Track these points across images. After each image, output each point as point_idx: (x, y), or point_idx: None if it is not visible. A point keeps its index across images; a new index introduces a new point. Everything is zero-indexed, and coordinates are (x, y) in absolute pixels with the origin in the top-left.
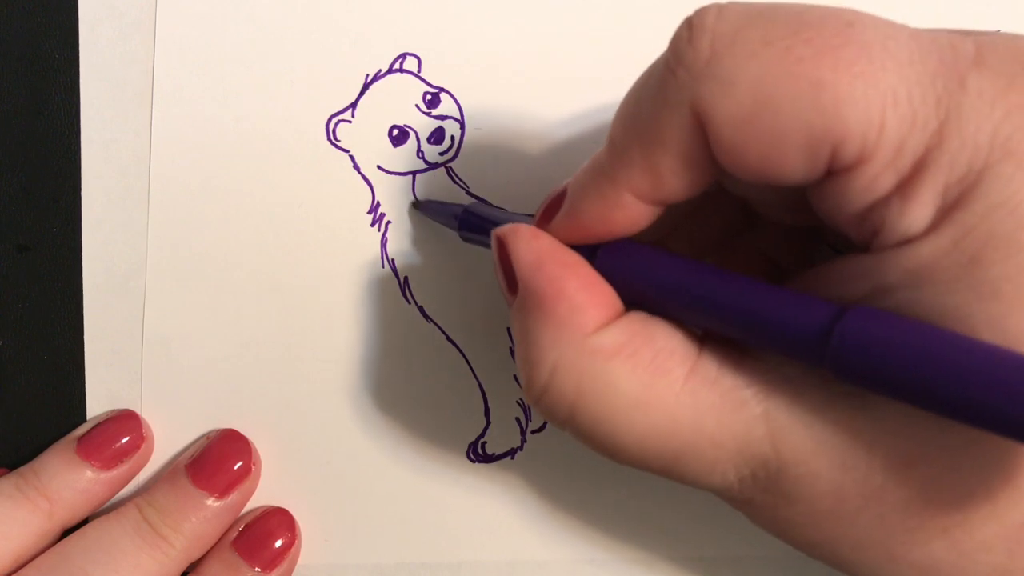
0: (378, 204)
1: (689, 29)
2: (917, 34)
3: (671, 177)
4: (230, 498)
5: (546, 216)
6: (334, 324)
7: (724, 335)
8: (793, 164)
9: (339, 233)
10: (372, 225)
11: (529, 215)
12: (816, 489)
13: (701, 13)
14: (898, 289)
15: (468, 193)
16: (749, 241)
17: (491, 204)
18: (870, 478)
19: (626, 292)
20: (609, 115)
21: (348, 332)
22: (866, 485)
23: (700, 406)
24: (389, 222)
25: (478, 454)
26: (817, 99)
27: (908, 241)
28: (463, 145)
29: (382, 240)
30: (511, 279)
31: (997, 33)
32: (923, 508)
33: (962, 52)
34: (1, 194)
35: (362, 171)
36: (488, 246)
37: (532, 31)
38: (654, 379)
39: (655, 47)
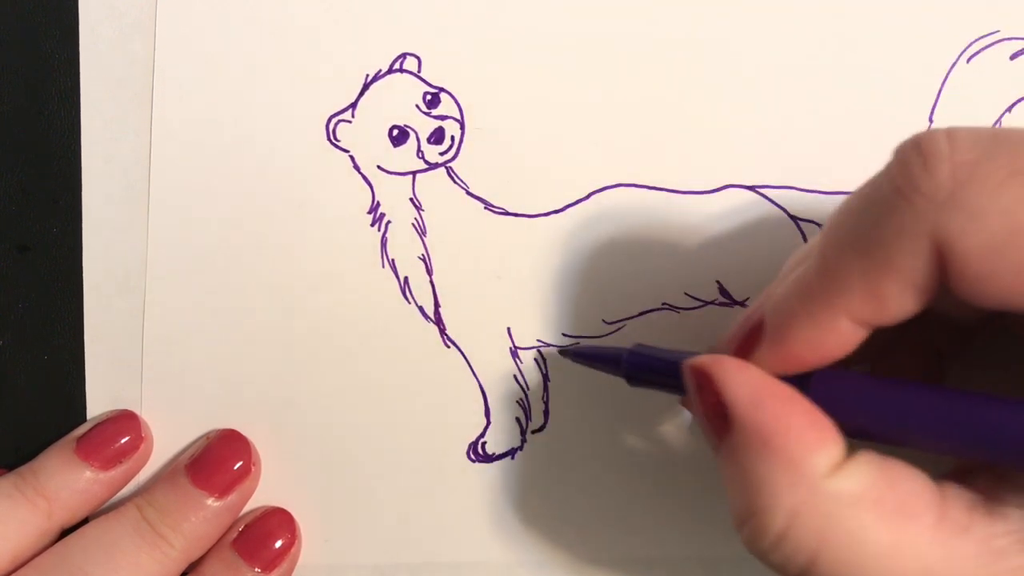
0: (378, 204)
1: (920, 155)
2: None
3: (895, 302)
4: (230, 498)
5: (746, 347)
6: (334, 324)
7: (972, 458)
8: None
9: (339, 233)
10: (372, 225)
11: (694, 352)
12: None
13: (931, 139)
14: None
15: (468, 193)
16: (912, 335)
17: (493, 206)
18: None
19: (844, 423)
20: (609, 114)
21: (348, 332)
22: None
23: (955, 556)
24: (389, 222)
25: (478, 454)
26: None
27: None
28: (463, 145)
29: (382, 240)
30: (719, 416)
31: None
32: None
33: None
34: (1, 194)
35: (362, 171)
36: (662, 388)
37: (532, 31)
38: (904, 527)
39: (655, 46)
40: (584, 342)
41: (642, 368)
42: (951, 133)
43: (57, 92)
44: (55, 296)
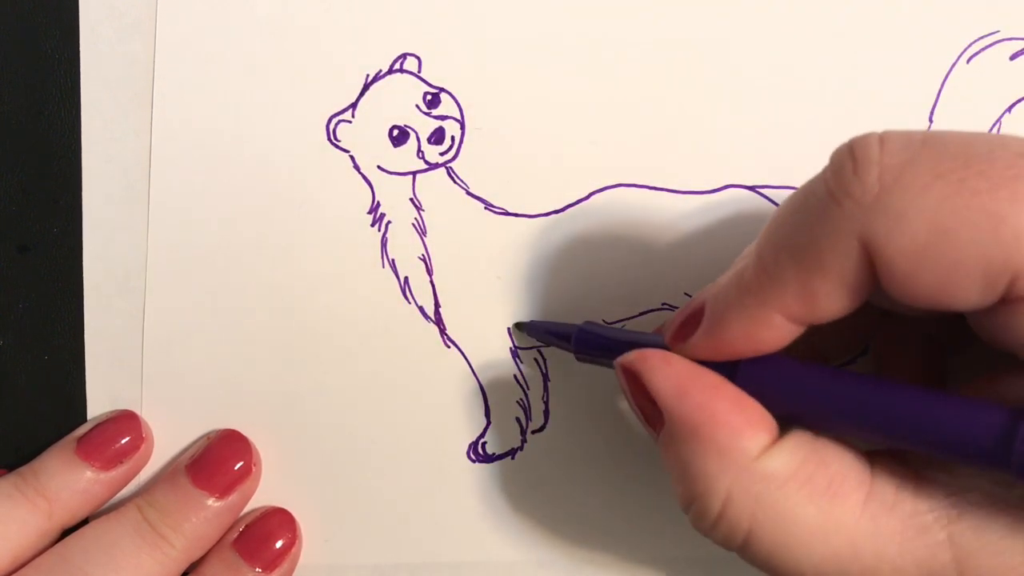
0: (378, 204)
1: (853, 160)
2: None
3: (827, 301)
4: (230, 498)
5: (680, 334)
6: (334, 324)
7: (892, 446)
8: (967, 293)
9: (339, 233)
10: (372, 225)
11: (641, 333)
12: None
13: (863, 144)
14: None
15: (468, 193)
16: (914, 329)
17: (494, 207)
18: None
19: (773, 408)
20: (609, 113)
21: (348, 332)
22: None
23: (881, 532)
24: (389, 222)
25: (478, 454)
26: (996, 232)
27: None
28: (463, 145)
29: (382, 240)
30: (651, 410)
31: None
32: None
33: None
34: (1, 194)
35: (362, 171)
36: (608, 365)
37: (532, 31)
38: (832, 505)
39: (655, 46)
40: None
41: (588, 346)
42: (883, 137)
43: (57, 92)
44: (55, 296)
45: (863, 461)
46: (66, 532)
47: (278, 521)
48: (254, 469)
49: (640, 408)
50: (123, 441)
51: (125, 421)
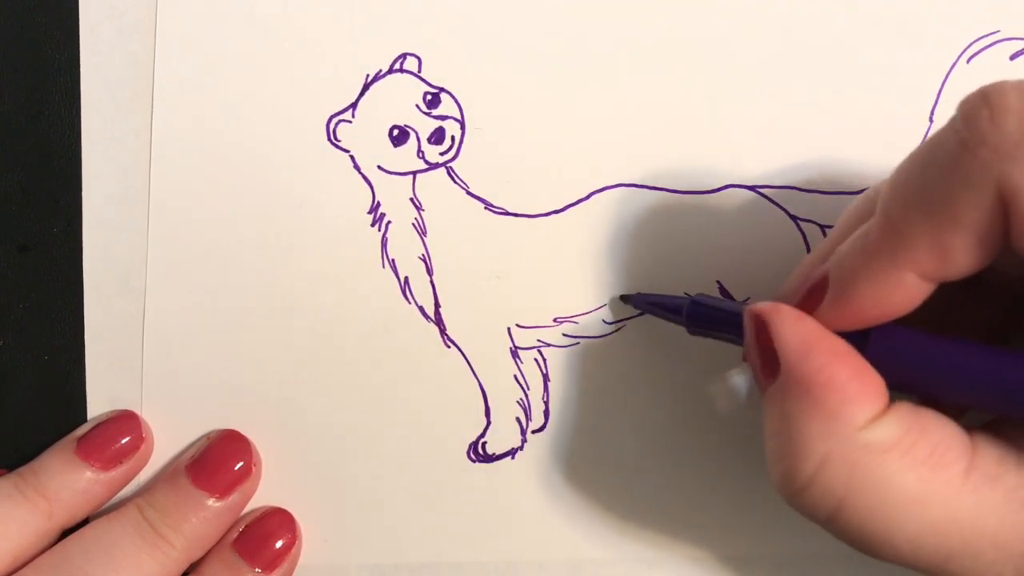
0: (378, 204)
1: (988, 107)
2: None
3: (960, 255)
4: (230, 498)
5: (808, 302)
6: (334, 324)
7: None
8: None
9: (339, 233)
10: (372, 225)
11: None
12: None
13: (999, 91)
14: None
15: (468, 193)
16: (965, 309)
17: (494, 206)
18: None
19: (895, 379)
20: (609, 114)
21: (348, 332)
22: None
23: (982, 504)
24: (389, 222)
25: (478, 454)
26: None
27: None
28: (463, 145)
29: (382, 240)
30: (770, 360)
31: None
32: None
33: None
34: (1, 194)
35: (362, 171)
36: (722, 338)
37: (532, 31)
38: (932, 475)
39: (656, 46)
40: (585, 342)
41: (702, 318)
42: (1020, 85)
43: (57, 92)
44: (55, 296)
45: (964, 433)
46: (66, 532)
47: (278, 521)
48: (254, 469)
49: (759, 356)
50: (123, 441)
51: (125, 421)
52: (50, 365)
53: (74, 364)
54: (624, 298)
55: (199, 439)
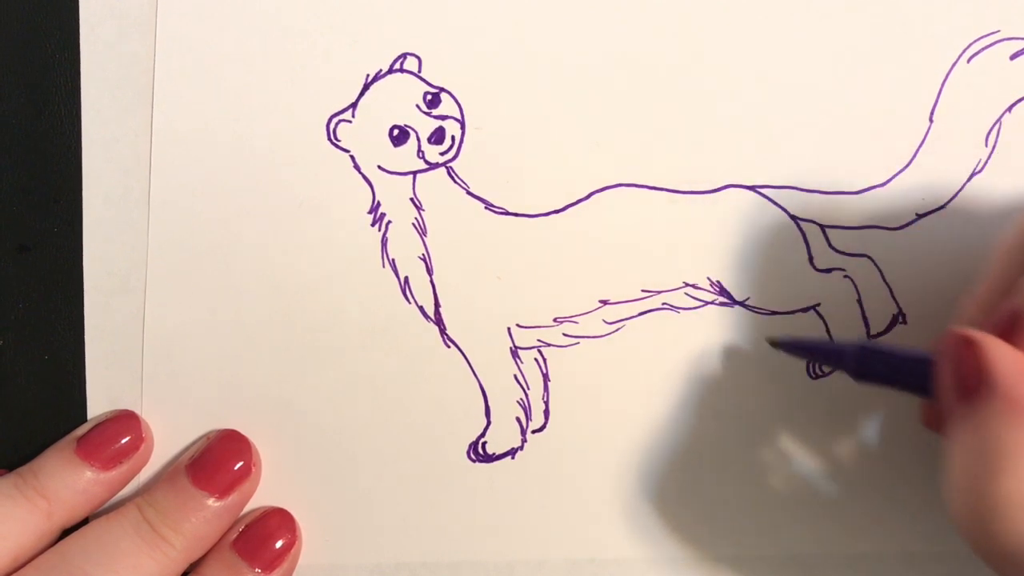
0: (379, 204)
1: None
2: None
3: None
4: (230, 498)
5: (1005, 335)
6: (334, 324)
7: None
8: None
9: (340, 233)
10: (373, 225)
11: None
12: None
13: None
14: None
15: (468, 193)
16: None
17: (494, 206)
18: None
19: None
20: (609, 114)
21: (348, 332)
22: None
23: None
24: (390, 222)
25: (478, 454)
26: None
27: None
28: (463, 145)
29: (382, 240)
30: (969, 382)
31: None
32: None
33: None
34: (1, 194)
35: (363, 171)
36: (892, 386)
37: (532, 31)
38: None
39: (656, 46)
40: (585, 342)
41: (874, 366)
42: None
43: (57, 92)
44: (55, 296)
45: None
46: (66, 533)
47: (278, 521)
48: (254, 469)
49: (960, 379)
50: (123, 441)
51: (125, 421)
52: (50, 365)
53: (74, 364)
54: (773, 343)
55: (199, 439)
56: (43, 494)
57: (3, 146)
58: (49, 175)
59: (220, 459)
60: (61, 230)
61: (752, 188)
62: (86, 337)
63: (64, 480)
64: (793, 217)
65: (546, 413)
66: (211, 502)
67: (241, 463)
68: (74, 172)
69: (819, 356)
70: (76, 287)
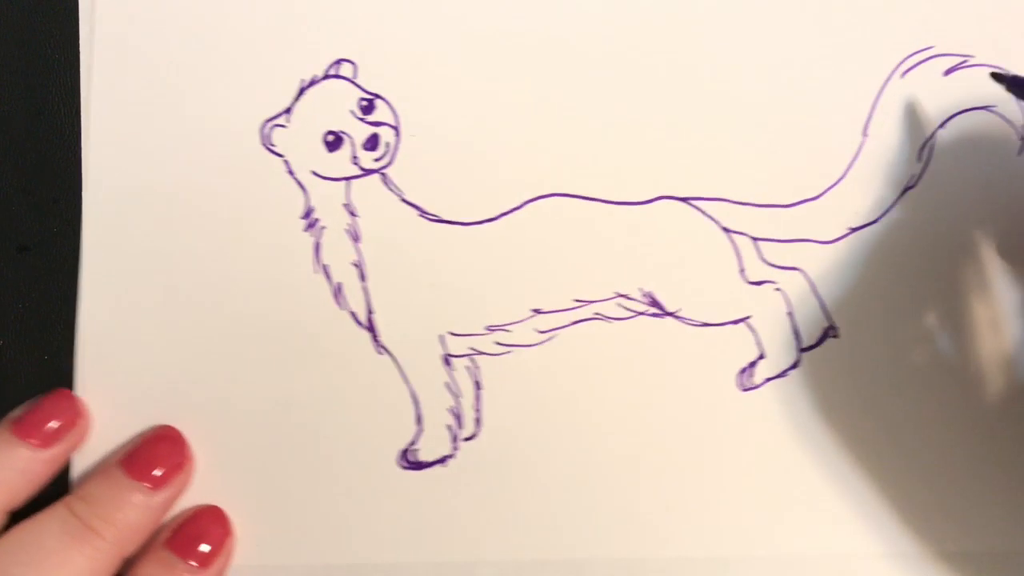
0: (312, 209)
1: None
2: None
3: None
4: (164, 491)
5: None
6: (267, 328)
7: None
8: None
9: (273, 238)
10: (306, 230)
11: None
12: None
13: None
14: None
15: (403, 200)
16: None
17: (428, 214)
18: None
19: None
20: (544, 124)
21: (280, 337)
22: None
23: None
24: (323, 227)
25: (409, 461)
26: None
27: None
28: (398, 152)
29: (315, 245)
30: None
31: None
32: None
33: None
34: (1, 194)
35: (296, 176)
36: None
37: (468, 39)
38: None
39: (591, 57)
40: (517, 351)
41: None
42: None
43: (57, 92)
44: (55, 296)
45: None
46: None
47: (210, 518)
48: (187, 463)
49: None
50: (59, 417)
51: (60, 398)
52: (50, 365)
53: (74, 364)
54: (996, 76)
55: (131, 439)
56: None
57: (3, 146)
58: (49, 175)
59: (154, 452)
60: (61, 230)
61: (685, 200)
62: (80, 336)
63: (2, 461)
64: (725, 229)
65: (477, 421)
66: (143, 493)
67: (175, 455)
68: (74, 172)
69: None
70: (75, 287)
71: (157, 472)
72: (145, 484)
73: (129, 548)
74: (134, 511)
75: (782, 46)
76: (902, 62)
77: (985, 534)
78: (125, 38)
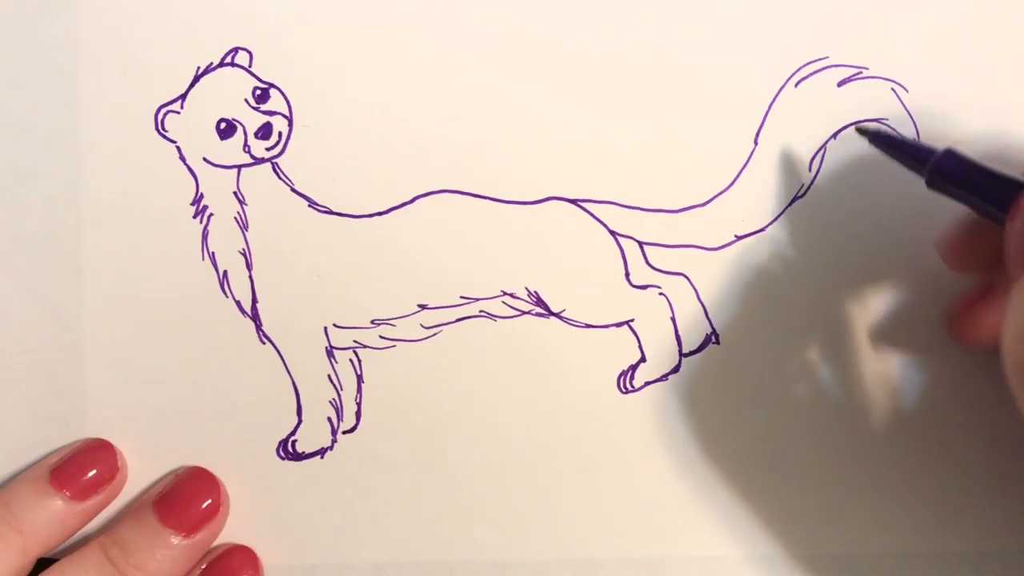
0: (201, 196)
1: None
2: None
3: None
4: (198, 536)
5: None
6: (151, 315)
7: None
8: None
9: (161, 224)
10: (195, 217)
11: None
12: None
13: None
14: None
15: (293, 190)
16: None
17: (318, 205)
18: None
19: None
20: (437, 119)
21: (166, 322)
22: None
23: None
24: (212, 215)
25: (288, 452)
26: None
27: None
28: (290, 142)
29: (203, 233)
30: None
31: None
32: None
33: None
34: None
35: (188, 162)
36: (962, 200)
37: (364, 32)
38: None
39: (484, 54)
40: (401, 346)
41: (953, 173)
42: None
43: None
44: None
45: None
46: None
47: (242, 558)
48: (222, 508)
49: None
50: (97, 470)
51: (99, 450)
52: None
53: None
54: (862, 130)
55: (167, 475)
56: (17, 528)
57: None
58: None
59: (189, 496)
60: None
61: (574, 201)
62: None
63: (38, 512)
64: (613, 232)
65: (358, 414)
66: (178, 540)
67: (210, 500)
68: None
69: (905, 151)
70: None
71: (192, 517)
72: (180, 532)
73: None
74: (168, 561)
75: (675, 51)
76: (796, 71)
77: (847, 538)
78: (21, 21)
